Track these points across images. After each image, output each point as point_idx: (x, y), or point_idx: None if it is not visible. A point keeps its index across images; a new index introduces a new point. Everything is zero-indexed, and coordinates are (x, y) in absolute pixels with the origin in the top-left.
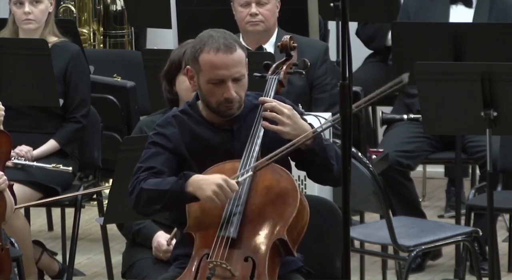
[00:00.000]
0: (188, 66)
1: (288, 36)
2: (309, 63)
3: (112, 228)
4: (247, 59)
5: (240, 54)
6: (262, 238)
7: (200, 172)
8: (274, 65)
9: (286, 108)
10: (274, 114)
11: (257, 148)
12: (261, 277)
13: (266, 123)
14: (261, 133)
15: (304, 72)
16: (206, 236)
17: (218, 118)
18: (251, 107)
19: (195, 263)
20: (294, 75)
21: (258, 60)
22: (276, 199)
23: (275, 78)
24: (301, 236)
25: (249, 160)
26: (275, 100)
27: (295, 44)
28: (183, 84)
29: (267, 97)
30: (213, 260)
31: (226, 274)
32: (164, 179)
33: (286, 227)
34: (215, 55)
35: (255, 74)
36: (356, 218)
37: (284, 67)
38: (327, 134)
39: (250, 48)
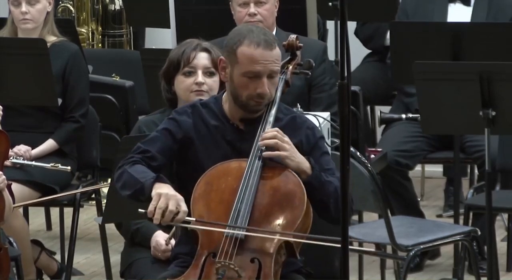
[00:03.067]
0: (221, 57)
1: (294, 36)
2: (313, 64)
3: (110, 227)
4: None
5: (278, 52)
6: (269, 239)
7: (206, 162)
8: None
9: (286, 137)
10: (275, 140)
11: (264, 149)
12: (267, 278)
13: (267, 152)
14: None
15: (310, 73)
16: (211, 235)
17: (239, 114)
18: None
19: (200, 261)
20: (300, 75)
21: None
22: (283, 201)
23: (282, 78)
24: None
25: (255, 161)
26: (275, 130)
27: (301, 44)
28: (181, 83)
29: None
30: (221, 261)
31: (233, 274)
32: (148, 171)
33: (293, 229)
34: (255, 49)
35: None
36: (355, 217)
37: (290, 67)
38: (325, 133)
39: None
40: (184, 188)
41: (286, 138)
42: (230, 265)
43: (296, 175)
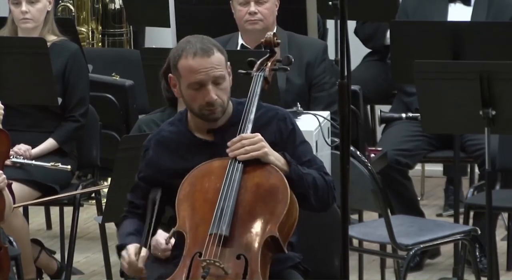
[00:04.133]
0: (170, 75)
1: (272, 33)
2: (292, 59)
3: (110, 227)
4: (228, 62)
5: (218, 56)
6: (254, 235)
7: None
8: (258, 62)
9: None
10: (244, 148)
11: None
12: (254, 274)
13: (242, 156)
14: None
15: (288, 68)
16: (197, 235)
17: (205, 127)
18: (238, 117)
19: (187, 262)
20: (279, 72)
21: (257, 58)
22: (266, 196)
23: (261, 75)
24: (291, 232)
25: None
26: (239, 137)
27: (279, 41)
28: None
29: (254, 92)
30: (206, 259)
31: (219, 272)
32: (125, 233)
33: (278, 224)
34: (193, 59)
35: (240, 71)
36: (355, 216)
37: (269, 63)
38: (326, 133)
39: (249, 46)
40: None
41: (256, 137)
42: (215, 263)
43: (278, 170)
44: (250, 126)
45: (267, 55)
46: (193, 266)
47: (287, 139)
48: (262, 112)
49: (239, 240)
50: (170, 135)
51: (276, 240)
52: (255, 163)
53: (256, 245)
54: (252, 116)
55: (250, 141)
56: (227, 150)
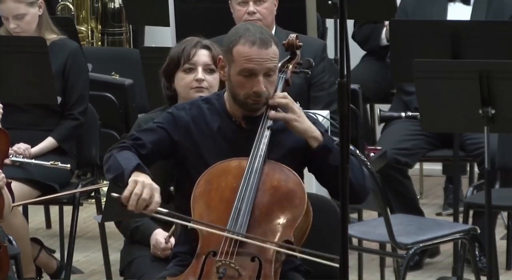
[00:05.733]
0: (220, 56)
1: (294, 35)
2: (313, 63)
3: (110, 225)
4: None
5: (274, 50)
6: (269, 238)
7: (206, 160)
8: (279, 64)
9: (296, 104)
10: (287, 101)
11: (264, 148)
12: (267, 277)
13: (273, 112)
14: (268, 133)
15: (309, 72)
16: (212, 233)
17: (240, 112)
18: None
19: (200, 260)
20: (300, 75)
21: None
22: (283, 200)
23: (283, 77)
24: (304, 238)
25: (256, 160)
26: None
27: (301, 43)
28: (182, 80)
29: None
30: (222, 259)
31: (233, 273)
32: (133, 158)
33: (294, 228)
34: (250, 48)
35: None
36: (354, 215)
37: (290, 66)
38: None
39: None
40: (184, 186)
41: (297, 105)
42: (230, 264)
43: (297, 174)
44: (267, 133)
45: (288, 57)
46: (206, 265)
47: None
48: None
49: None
50: (207, 111)
51: (291, 244)
52: (274, 166)
53: (272, 249)
54: (271, 121)
55: (292, 102)
56: (271, 101)
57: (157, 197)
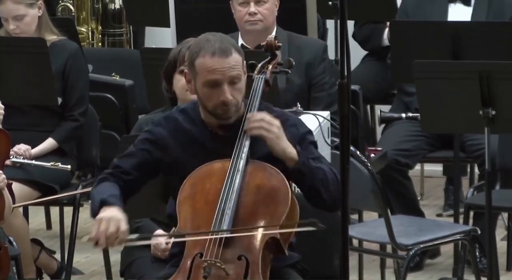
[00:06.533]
0: (185, 70)
1: (273, 36)
2: (293, 62)
3: None
4: (244, 62)
5: (236, 57)
6: (255, 236)
7: (190, 170)
8: (259, 65)
9: (276, 121)
10: (261, 124)
11: (246, 149)
12: (255, 275)
13: (252, 130)
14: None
15: (289, 71)
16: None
17: (216, 122)
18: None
19: (188, 262)
20: (280, 74)
21: (257, 59)
22: (267, 197)
23: (262, 78)
24: (292, 234)
25: (238, 161)
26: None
27: (280, 44)
28: (179, 82)
29: (255, 97)
30: (207, 259)
31: (221, 273)
32: (105, 192)
33: (278, 225)
34: (211, 58)
35: None
36: (355, 216)
37: (270, 66)
38: (325, 133)
39: (249, 47)
40: (175, 196)
41: (276, 122)
42: (216, 263)
43: (280, 172)
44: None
45: (268, 58)
46: (194, 267)
47: (299, 141)
48: (275, 116)
49: (240, 241)
50: (184, 123)
51: (277, 241)
52: (257, 165)
53: (257, 246)
54: None
55: (268, 121)
56: (245, 125)
57: (123, 227)
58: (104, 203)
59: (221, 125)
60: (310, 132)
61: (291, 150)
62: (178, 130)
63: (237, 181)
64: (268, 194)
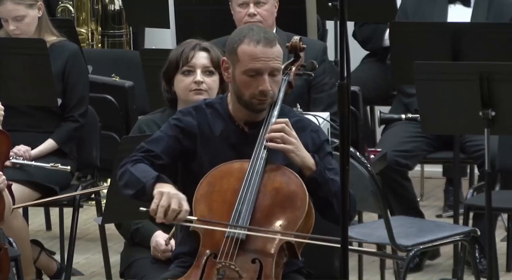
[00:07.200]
0: (224, 57)
1: (298, 37)
2: (316, 65)
3: (110, 227)
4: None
5: (279, 49)
6: (270, 240)
7: (209, 165)
8: (283, 66)
9: (293, 131)
10: (281, 134)
11: (265, 152)
12: (268, 279)
13: (271, 143)
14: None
15: (313, 74)
16: (213, 236)
17: (245, 116)
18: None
19: (201, 262)
20: (302, 77)
21: None
22: (284, 202)
23: (285, 79)
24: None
25: (258, 162)
26: (284, 120)
27: (304, 46)
28: (181, 83)
29: (277, 96)
30: (222, 261)
31: (234, 275)
32: (149, 170)
33: (294, 231)
34: (255, 46)
35: None
36: (355, 217)
37: (293, 68)
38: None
39: None
40: (187, 189)
41: (294, 133)
42: (230, 266)
43: (298, 177)
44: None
45: (292, 59)
46: (207, 267)
47: (318, 149)
48: (296, 120)
49: (255, 244)
50: (210, 116)
51: (292, 247)
52: (276, 168)
53: (272, 250)
54: (273, 120)
55: (288, 132)
56: (267, 136)
57: (186, 206)
58: (160, 180)
59: (248, 121)
60: (328, 141)
61: (309, 160)
62: (204, 122)
63: (256, 182)
64: (286, 198)
